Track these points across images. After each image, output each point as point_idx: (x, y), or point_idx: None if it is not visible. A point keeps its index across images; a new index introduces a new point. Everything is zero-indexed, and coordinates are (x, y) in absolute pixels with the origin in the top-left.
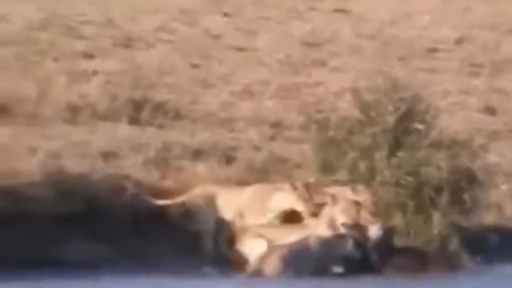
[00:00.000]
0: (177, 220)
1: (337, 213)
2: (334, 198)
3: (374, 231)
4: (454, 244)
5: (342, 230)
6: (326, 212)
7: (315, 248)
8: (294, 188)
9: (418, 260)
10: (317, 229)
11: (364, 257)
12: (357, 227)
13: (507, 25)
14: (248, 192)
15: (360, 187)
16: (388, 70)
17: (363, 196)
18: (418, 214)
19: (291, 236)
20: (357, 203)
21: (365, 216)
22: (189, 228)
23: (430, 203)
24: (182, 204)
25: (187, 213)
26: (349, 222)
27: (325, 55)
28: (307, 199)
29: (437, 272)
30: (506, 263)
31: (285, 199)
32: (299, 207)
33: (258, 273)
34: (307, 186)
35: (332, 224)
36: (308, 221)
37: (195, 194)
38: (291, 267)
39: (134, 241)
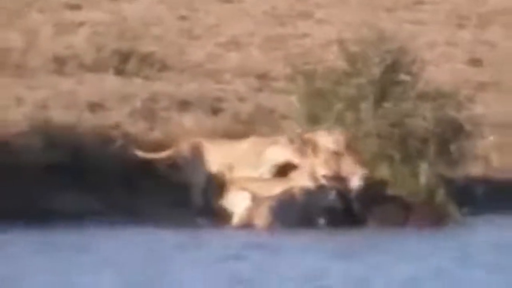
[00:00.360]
0: (166, 172)
1: (318, 164)
2: (314, 150)
3: (355, 181)
4: (440, 195)
5: (323, 181)
6: (308, 164)
7: (299, 199)
8: (291, 141)
9: (403, 211)
10: (299, 181)
11: (347, 207)
12: (339, 178)
13: None
14: (244, 145)
15: (336, 131)
16: (374, 21)
17: (337, 137)
18: (405, 165)
19: (274, 189)
20: (338, 153)
21: (347, 166)
22: (178, 181)
23: (417, 154)
24: (170, 157)
25: (176, 165)
26: (330, 173)
27: (311, 7)
28: (304, 152)
29: (423, 224)
30: (492, 214)
31: (280, 152)
32: (296, 159)
33: (247, 224)
34: (304, 139)
35: (313, 176)
36: (290, 174)
37: (184, 147)
38: (279, 218)
39: (122, 193)
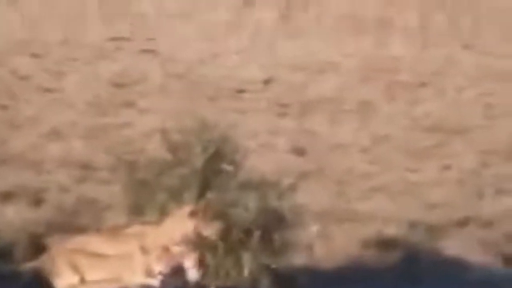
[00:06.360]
0: None
1: (152, 261)
2: (143, 249)
3: (192, 273)
4: (264, 285)
5: (160, 278)
6: (140, 261)
7: None
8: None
9: None
10: (135, 278)
11: None
12: (176, 272)
13: (315, 65)
14: None
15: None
16: (197, 110)
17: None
18: (229, 255)
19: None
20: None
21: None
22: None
23: (240, 244)
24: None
25: None
26: (166, 269)
27: (134, 96)
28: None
29: None
30: None
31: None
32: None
33: None
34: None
35: (150, 273)
36: (123, 272)
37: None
38: None
39: None
